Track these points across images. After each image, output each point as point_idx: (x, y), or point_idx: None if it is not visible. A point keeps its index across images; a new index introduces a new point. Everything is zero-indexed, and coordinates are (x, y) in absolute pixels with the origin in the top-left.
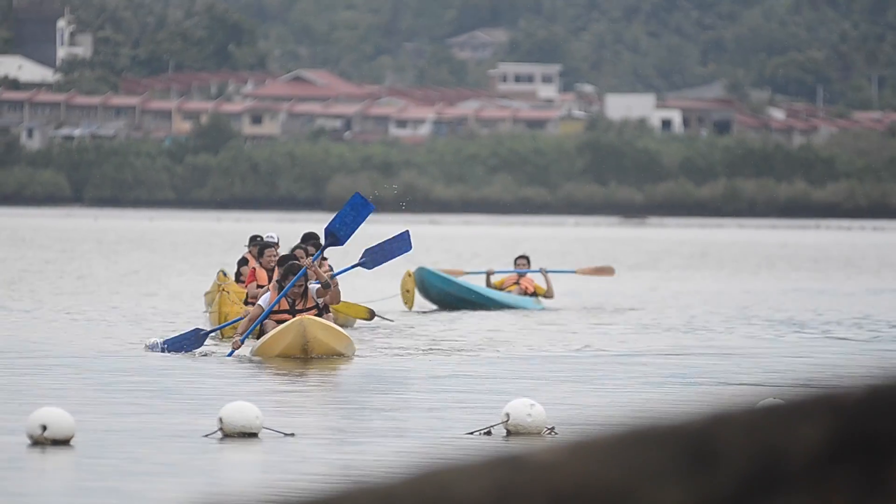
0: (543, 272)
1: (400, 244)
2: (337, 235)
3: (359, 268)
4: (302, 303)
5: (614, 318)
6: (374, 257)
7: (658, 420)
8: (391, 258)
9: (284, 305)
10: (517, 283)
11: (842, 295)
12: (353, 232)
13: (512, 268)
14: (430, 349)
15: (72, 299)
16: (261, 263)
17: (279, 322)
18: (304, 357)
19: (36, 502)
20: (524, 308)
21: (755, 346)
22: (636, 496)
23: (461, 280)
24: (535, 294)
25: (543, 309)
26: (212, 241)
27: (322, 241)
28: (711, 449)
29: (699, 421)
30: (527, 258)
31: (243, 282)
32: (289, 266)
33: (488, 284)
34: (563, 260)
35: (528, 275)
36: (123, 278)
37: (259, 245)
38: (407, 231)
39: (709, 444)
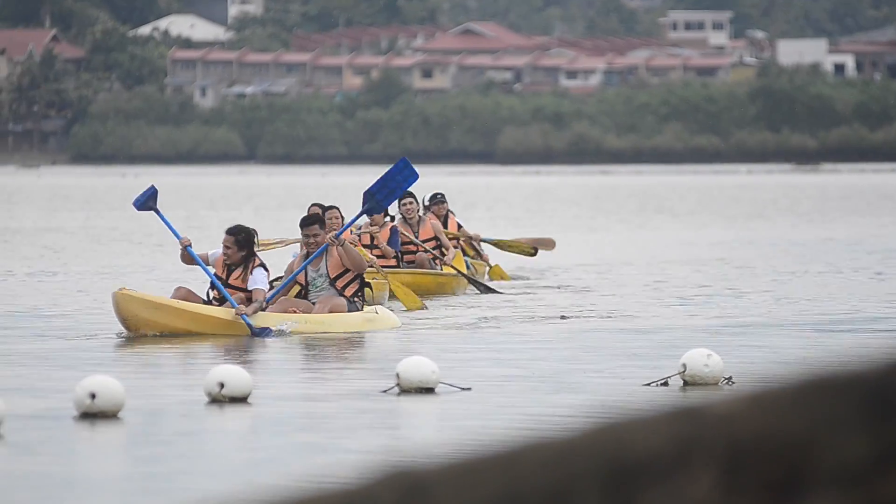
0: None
1: (404, 174)
2: (377, 199)
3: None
4: (238, 279)
5: (787, 267)
6: (380, 198)
7: (837, 368)
8: (400, 192)
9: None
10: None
11: None
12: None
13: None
14: (595, 306)
15: None
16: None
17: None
18: (136, 335)
19: (216, 458)
20: None
21: None
22: (819, 446)
23: None
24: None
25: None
26: None
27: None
28: (894, 397)
29: (879, 369)
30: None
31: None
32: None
33: None
34: (738, 209)
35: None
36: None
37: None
38: (404, 158)
39: (891, 392)
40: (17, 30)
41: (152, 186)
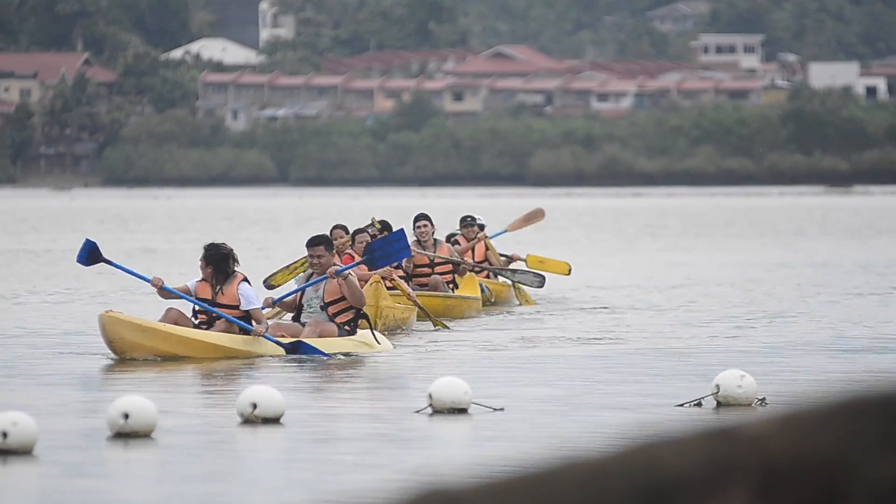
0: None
1: (400, 244)
2: (376, 256)
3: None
4: (223, 297)
5: (820, 289)
6: (378, 256)
7: (870, 389)
8: (395, 260)
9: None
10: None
11: None
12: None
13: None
14: (627, 327)
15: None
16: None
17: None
18: (123, 358)
19: (249, 478)
20: None
21: None
22: (852, 466)
23: None
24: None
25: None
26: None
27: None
28: None
29: None
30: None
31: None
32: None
33: None
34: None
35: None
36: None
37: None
38: (401, 229)
39: None
40: (50, 53)
41: (87, 240)
